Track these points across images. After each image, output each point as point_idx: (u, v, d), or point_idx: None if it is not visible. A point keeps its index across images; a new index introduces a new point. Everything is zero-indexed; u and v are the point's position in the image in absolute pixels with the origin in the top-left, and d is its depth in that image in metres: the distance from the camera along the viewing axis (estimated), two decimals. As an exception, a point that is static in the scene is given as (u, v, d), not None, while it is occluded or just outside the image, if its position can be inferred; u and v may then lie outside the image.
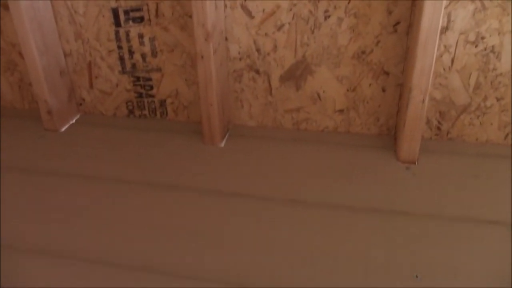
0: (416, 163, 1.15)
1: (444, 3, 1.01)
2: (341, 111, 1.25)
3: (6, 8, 1.30)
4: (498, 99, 1.15)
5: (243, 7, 1.18)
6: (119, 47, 1.31)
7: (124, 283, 0.87)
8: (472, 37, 1.09)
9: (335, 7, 1.13)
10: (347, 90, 1.22)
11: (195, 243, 0.96)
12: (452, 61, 1.13)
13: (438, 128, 1.22)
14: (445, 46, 1.11)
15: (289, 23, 1.17)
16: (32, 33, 1.24)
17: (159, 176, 1.15)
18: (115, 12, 1.26)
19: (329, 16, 1.14)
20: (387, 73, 1.18)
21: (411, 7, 1.09)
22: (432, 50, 1.02)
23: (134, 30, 1.28)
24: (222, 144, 1.27)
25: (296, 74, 1.23)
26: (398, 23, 1.12)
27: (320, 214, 1.01)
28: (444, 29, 1.09)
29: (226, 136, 1.30)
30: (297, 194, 1.07)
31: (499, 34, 1.08)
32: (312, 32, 1.17)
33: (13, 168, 1.21)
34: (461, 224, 0.97)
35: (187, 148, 1.26)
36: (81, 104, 1.44)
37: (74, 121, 1.43)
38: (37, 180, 1.16)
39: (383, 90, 1.20)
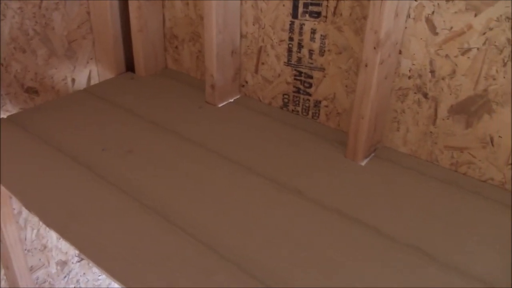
0: None
1: None
2: (515, 165, 1.03)
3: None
4: None
5: (428, 20, 1.04)
6: (290, 39, 1.29)
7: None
8: None
9: (542, 41, 0.92)
10: (531, 143, 1.00)
11: (287, 251, 0.89)
12: None
13: None
14: None
15: (477, 49, 1.00)
16: (216, 9, 1.29)
17: (285, 175, 1.11)
18: (295, 2, 1.24)
19: (531, 50, 0.94)
20: None
21: None
22: None
23: (308, 24, 1.24)
24: (363, 163, 1.16)
25: (471, 109, 1.05)
26: None
27: (446, 277, 0.85)
28: None
29: (371, 156, 1.19)
30: (421, 243, 0.92)
31: None
32: (504, 64, 0.97)
33: (167, 129, 1.30)
34: None
35: (325, 156, 1.18)
36: (243, 86, 1.48)
37: (232, 100, 1.47)
38: (178, 143, 1.23)
39: None
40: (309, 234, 0.95)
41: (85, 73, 1.67)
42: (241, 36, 1.40)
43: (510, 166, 1.04)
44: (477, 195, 1.05)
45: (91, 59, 1.67)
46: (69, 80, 1.62)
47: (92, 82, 1.69)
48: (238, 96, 1.49)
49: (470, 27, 0.99)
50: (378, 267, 0.87)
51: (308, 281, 0.84)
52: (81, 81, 1.67)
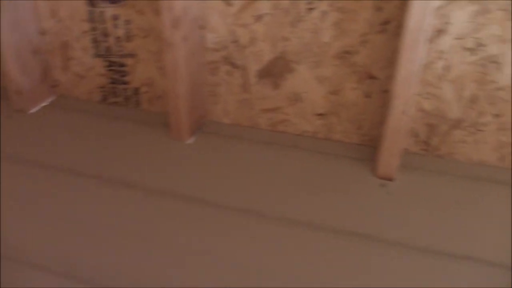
0: (394, 180, 1.03)
1: (437, 3, 0.89)
2: (320, 115, 1.14)
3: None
4: (495, 116, 1.01)
5: (220, -7, 1.08)
6: (93, 29, 1.23)
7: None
8: (470, 44, 0.96)
9: None
10: (329, 93, 1.11)
11: (127, 245, 0.87)
12: (446, 69, 1.00)
13: (426, 143, 1.09)
14: (439, 52, 0.98)
15: (268, 14, 1.06)
16: (2, 6, 1.17)
17: (109, 170, 1.07)
18: (89, -10, 1.18)
19: (312, 9, 1.03)
20: (372, 77, 1.06)
21: (401, 5, 0.96)
22: (419, 55, 0.90)
23: (109, 11, 1.19)
24: (191, 141, 1.17)
25: (274, 71, 1.12)
26: (387, 22, 0.99)
27: (277, 229, 0.91)
28: (439, 33, 0.96)
29: (198, 132, 1.20)
30: (255, 205, 0.97)
31: (501, 42, 0.94)
32: (293, 25, 1.06)
33: (-31, 148, 1.16)
34: (433, 257, 0.85)
35: (150, 141, 1.17)
36: (55, 86, 1.37)
37: (48, 103, 1.36)
38: (-10, 163, 1.10)
39: (368, 96, 1.08)
40: (141, 224, 0.93)
41: None
42: (41, 33, 1.29)
43: (317, 117, 1.14)
44: (295, 148, 1.14)
45: None
46: None
47: None
48: (52, 98, 1.38)
49: (258, -6, 1.05)
50: (215, 237, 0.90)
51: (154, 275, 0.83)
52: None
